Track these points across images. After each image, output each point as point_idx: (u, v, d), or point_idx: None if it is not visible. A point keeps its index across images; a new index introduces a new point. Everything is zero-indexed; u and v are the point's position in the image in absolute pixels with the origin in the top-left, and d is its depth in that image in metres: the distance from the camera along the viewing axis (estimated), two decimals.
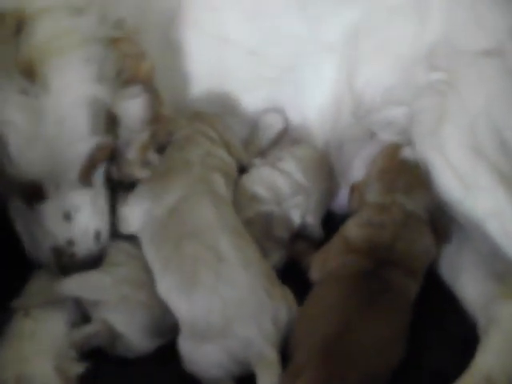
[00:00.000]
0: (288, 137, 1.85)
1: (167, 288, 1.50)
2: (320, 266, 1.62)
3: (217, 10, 1.80)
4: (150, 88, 1.53)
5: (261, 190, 1.69)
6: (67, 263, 1.51)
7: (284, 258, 1.67)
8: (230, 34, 1.80)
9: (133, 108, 1.49)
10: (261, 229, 1.66)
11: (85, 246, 1.52)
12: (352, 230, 1.63)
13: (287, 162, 1.74)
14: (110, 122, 1.48)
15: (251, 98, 1.84)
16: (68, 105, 1.39)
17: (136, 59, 1.49)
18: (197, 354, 1.46)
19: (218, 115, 1.79)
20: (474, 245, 1.65)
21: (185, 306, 1.48)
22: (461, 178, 1.62)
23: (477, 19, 1.74)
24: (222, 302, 1.46)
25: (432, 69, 1.73)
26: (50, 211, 1.49)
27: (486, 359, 1.50)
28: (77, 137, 1.42)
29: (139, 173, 1.58)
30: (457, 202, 1.63)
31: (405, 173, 1.67)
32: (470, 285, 1.64)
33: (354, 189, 1.72)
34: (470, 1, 1.75)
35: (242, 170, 1.76)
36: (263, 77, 1.83)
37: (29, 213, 1.51)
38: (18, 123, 1.37)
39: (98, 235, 1.53)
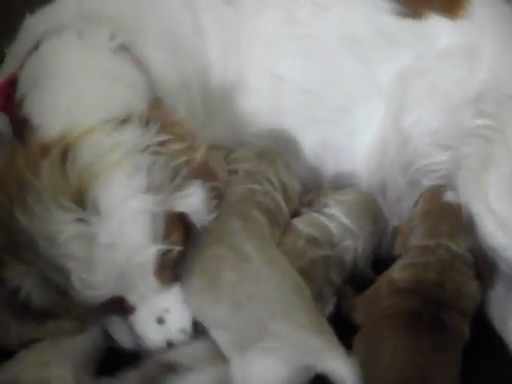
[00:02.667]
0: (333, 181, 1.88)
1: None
2: (366, 308, 1.65)
3: (274, 46, 1.83)
4: (207, 172, 1.53)
5: (316, 233, 1.71)
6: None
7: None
8: (286, 71, 1.84)
9: (195, 203, 1.48)
10: (321, 273, 1.67)
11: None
12: (398, 271, 1.66)
13: (333, 207, 1.76)
14: (175, 220, 1.47)
15: (306, 138, 1.87)
16: (119, 223, 1.38)
17: (187, 154, 1.47)
18: (250, 370, 1.45)
19: (282, 157, 1.80)
20: None
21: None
22: (505, 226, 1.64)
23: None
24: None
25: (479, 114, 1.74)
26: (143, 320, 1.51)
27: None
28: (135, 250, 1.41)
29: None
30: (501, 249, 1.65)
31: (448, 216, 1.70)
32: None
33: (397, 232, 1.75)
34: None
35: None
36: (317, 117, 1.85)
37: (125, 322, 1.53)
38: (76, 253, 1.37)
39: (188, 330, 1.54)
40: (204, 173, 1.50)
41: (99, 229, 1.37)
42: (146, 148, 1.41)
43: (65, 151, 1.38)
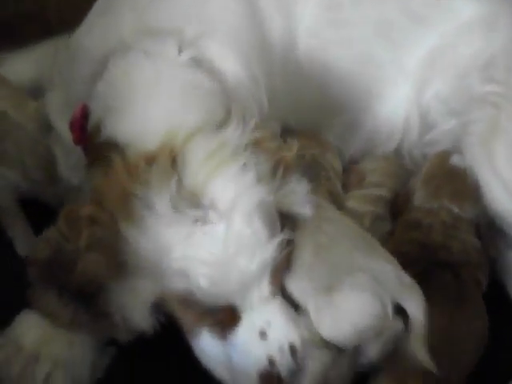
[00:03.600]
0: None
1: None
2: None
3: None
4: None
5: (377, 209, 1.72)
6: None
7: None
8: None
9: (298, 200, 1.43)
10: None
11: (285, 363, 1.38)
12: (401, 232, 1.66)
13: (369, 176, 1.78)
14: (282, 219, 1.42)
15: (333, 121, 1.86)
16: (241, 218, 1.32)
17: (278, 152, 1.43)
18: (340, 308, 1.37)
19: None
20: None
21: None
22: (511, 191, 1.64)
23: None
24: None
25: (489, 80, 1.73)
26: (247, 333, 1.39)
27: None
28: (258, 245, 1.34)
29: None
30: (508, 215, 1.65)
31: (453, 179, 1.70)
32: None
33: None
34: None
35: None
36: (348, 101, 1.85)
37: (222, 346, 1.41)
38: (201, 254, 1.32)
39: (293, 349, 1.39)
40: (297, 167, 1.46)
41: (221, 227, 1.32)
42: (248, 145, 1.39)
43: (173, 156, 1.34)
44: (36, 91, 1.86)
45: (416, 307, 1.38)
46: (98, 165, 1.43)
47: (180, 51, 1.54)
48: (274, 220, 1.38)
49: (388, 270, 1.41)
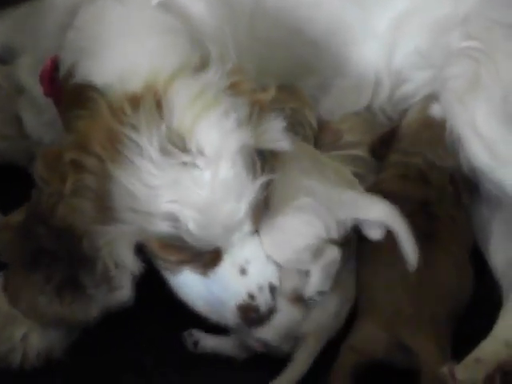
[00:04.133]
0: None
1: None
2: None
3: None
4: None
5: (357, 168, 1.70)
6: (254, 318, 1.45)
7: None
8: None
9: (275, 137, 1.42)
10: None
11: (264, 298, 1.44)
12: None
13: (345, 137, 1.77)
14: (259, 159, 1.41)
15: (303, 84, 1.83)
16: (226, 164, 1.32)
17: (253, 94, 1.42)
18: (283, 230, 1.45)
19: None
20: (504, 214, 1.66)
21: None
22: (490, 148, 1.60)
23: None
24: None
25: (466, 37, 1.70)
26: (228, 271, 1.42)
27: (505, 324, 1.50)
28: (244, 188, 1.35)
29: None
30: (486, 171, 1.61)
31: (430, 128, 1.70)
32: (498, 252, 1.67)
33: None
34: None
35: None
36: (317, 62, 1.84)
37: (203, 281, 1.44)
38: (190, 198, 1.31)
39: (272, 286, 1.45)
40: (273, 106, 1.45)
41: (207, 171, 1.31)
42: (226, 89, 1.37)
43: (157, 98, 1.32)
44: (8, 56, 1.86)
45: (387, 213, 1.45)
46: (76, 107, 1.38)
47: None
48: (254, 162, 1.37)
49: (329, 190, 1.47)
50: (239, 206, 1.35)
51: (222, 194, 1.32)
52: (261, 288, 1.43)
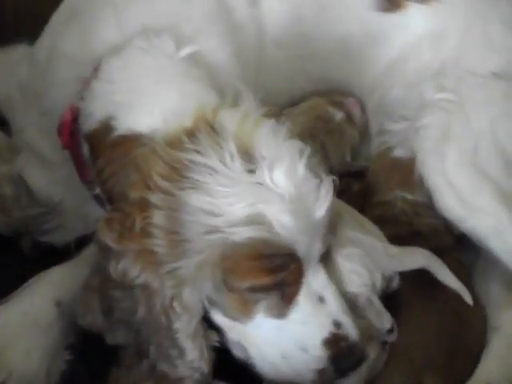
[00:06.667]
0: None
1: None
2: None
3: None
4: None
5: None
6: (344, 351, 1.36)
7: None
8: None
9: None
10: None
11: (349, 323, 1.37)
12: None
13: None
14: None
15: None
16: (288, 164, 1.35)
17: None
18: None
19: None
20: (481, 261, 1.70)
21: None
22: (462, 198, 1.64)
23: (488, 41, 1.77)
24: None
25: (440, 89, 1.75)
26: (307, 302, 1.37)
27: (486, 366, 1.53)
28: (317, 185, 1.37)
29: None
30: (459, 221, 1.65)
31: (398, 170, 1.74)
32: (491, 293, 1.68)
33: None
34: (482, 23, 1.79)
35: None
36: None
37: (279, 325, 1.37)
38: (271, 196, 1.33)
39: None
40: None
41: (277, 169, 1.34)
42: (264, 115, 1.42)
43: (211, 124, 1.38)
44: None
45: (430, 258, 1.53)
46: (125, 156, 1.40)
47: (177, 47, 1.55)
48: (315, 164, 1.41)
49: (375, 243, 1.52)
50: (319, 208, 1.35)
51: (300, 187, 1.34)
52: (344, 313, 1.38)
